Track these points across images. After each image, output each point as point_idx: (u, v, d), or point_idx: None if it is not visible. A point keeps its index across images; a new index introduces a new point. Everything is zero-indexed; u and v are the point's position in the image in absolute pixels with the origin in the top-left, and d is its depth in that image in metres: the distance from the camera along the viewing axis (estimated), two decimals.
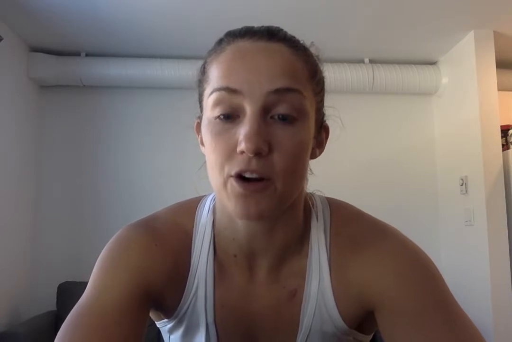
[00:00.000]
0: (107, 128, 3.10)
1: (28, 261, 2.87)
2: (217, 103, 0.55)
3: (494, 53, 2.76)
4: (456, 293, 0.60)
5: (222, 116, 0.54)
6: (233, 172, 0.53)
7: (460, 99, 2.93)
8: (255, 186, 0.53)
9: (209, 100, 0.56)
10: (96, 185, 3.03)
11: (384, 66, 3.07)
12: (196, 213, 0.68)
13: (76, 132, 3.08)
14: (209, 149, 0.56)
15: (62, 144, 3.05)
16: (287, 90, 0.54)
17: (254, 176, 0.53)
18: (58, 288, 2.64)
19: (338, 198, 0.72)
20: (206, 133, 0.57)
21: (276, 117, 0.54)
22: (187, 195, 0.74)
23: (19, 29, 2.69)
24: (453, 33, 2.80)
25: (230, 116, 0.54)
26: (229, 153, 0.53)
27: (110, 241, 0.65)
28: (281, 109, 0.54)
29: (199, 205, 0.69)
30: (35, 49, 2.93)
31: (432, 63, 3.20)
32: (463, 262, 2.85)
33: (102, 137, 3.09)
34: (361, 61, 3.11)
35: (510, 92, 3.10)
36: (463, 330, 0.54)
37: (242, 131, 0.52)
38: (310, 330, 0.63)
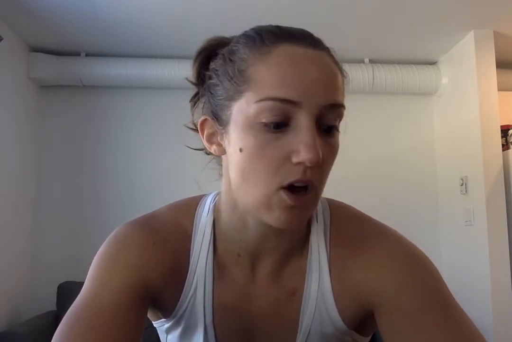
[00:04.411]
0: (107, 128, 3.09)
1: (28, 261, 2.87)
2: (268, 111, 0.52)
3: (494, 53, 2.76)
4: (456, 293, 0.60)
5: (272, 125, 0.53)
6: (286, 182, 0.52)
7: (460, 99, 2.93)
8: (304, 199, 0.54)
9: (255, 105, 0.53)
10: (96, 185, 3.03)
11: (384, 66, 3.06)
12: (196, 212, 0.68)
13: (76, 132, 3.07)
14: (252, 156, 0.54)
15: (62, 144, 3.05)
16: (339, 105, 0.55)
17: (302, 185, 0.53)
18: (58, 288, 2.64)
19: (338, 198, 0.72)
20: (246, 138, 0.54)
21: (321, 128, 0.54)
22: (187, 194, 0.74)
23: (19, 29, 2.69)
24: (453, 33, 2.80)
25: (281, 125, 0.53)
26: (280, 163, 0.52)
27: (108, 239, 0.64)
28: (328, 121, 0.54)
29: (199, 204, 0.69)
30: (35, 49, 2.92)
31: (432, 63, 3.20)
32: (463, 262, 2.85)
33: (102, 137, 3.08)
34: (361, 61, 3.11)
35: (510, 92, 3.10)
36: (463, 330, 0.54)
37: (301, 141, 0.51)
38: (309, 331, 0.63)
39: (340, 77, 0.58)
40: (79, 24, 2.64)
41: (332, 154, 0.56)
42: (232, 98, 0.56)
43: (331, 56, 0.58)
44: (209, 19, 2.54)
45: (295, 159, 0.52)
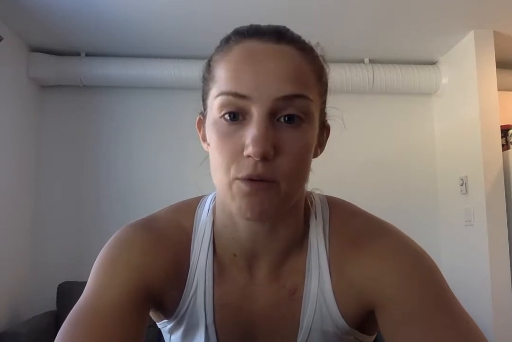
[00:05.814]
0: (107, 128, 3.09)
1: (28, 261, 2.87)
2: (223, 105, 0.54)
3: (494, 53, 2.76)
4: (456, 293, 0.60)
5: (228, 117, 0.54)
6: (239, 176, 0.53)
7: (460, 99, 2.93)
8: (261, 185, 0.53)
9: (215, 101, 0.55)
10: (96, 185, 3.03)
11: (384, 66, 3.06)
12: (196, 213, 0.68)
13: (76, 132, 3.07)
14: (215, 150, 0.56)
15: (62, 144, 3.05)
16: (295, 96, 0.54)
17: (259, 179, 0.53)
18: (58, 288, 2.64)
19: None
20: (211, 133, 0.57)
21: (282, 119, 0.54)
22: (188, 194, 0.74)
23: (19, 29, 2.69)
24: (453, 33, 2.80)
25: (237, 117, 0.54)
26: (236, 155, 0.53)
27: (109, 241, 0.65)
28: (286, 112, 0.54)
29: (199, 205, 0.69)
30: (35, 49, 2.93)
31: (432, 63, 3.20)
32: (463, 262, 2.84)
33: (102, 137, 3.08)
34: (361, 61, 3.11)
35: (510, 92, 3.10)
36: (465, 329, 0.54)
37: (250, 135, 0.52)
38: (310, 329, 0.63)
39: (305, 68, 0.56)
40: (79, 24, 2.64)
41: (297, 147, 0.54)
42: (206, 97, 0.60)
43: (301, 49, 0.57)
44: (209, 19, 2.53)
45: (244, 153, 0.53)
